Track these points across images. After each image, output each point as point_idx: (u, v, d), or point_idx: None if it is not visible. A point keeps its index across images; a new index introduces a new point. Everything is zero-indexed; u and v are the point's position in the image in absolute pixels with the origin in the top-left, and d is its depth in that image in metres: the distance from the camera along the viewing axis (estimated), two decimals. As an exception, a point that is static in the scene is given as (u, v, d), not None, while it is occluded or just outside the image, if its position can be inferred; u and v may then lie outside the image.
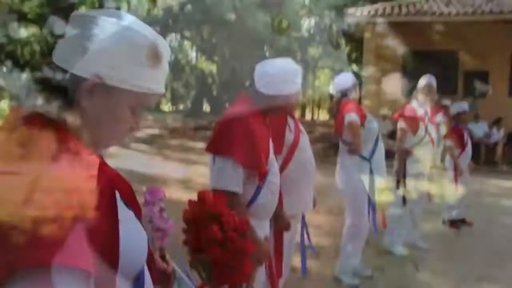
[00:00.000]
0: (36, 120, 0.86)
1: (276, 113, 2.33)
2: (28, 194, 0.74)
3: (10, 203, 0.74)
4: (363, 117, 3.78)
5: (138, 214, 1.01)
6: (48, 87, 0.91)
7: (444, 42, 12.92)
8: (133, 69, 0.92)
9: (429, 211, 5.75)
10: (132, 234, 0.94)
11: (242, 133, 2.08)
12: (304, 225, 2.97)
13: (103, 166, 0.95)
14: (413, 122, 4.56)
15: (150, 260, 1.08)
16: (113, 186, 0.89)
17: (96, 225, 0.78)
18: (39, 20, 15.15)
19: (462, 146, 5.69)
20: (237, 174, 2.06)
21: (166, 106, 46.23)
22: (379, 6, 13.46)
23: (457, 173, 5.62)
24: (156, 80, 0.97)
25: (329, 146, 11.19)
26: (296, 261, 3.21)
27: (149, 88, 0.95)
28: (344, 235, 3.92)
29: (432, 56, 12.76)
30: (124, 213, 0.92)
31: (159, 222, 1.29)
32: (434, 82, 4.61)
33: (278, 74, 2.22)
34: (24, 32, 20.01)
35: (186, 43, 24.51)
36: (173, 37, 23.16)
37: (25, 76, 19.28)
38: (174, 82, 30.73)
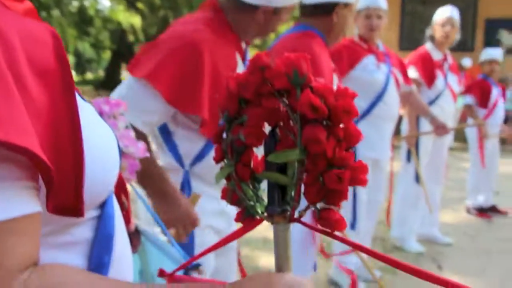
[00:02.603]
0: None
1: (256, 30, 1.98)
2: None
3: None
4: None
5: None
6: None
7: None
8: None
9: (447, 197, 5.80)
10: (98, 131, 0.79)
11: (179, 55, 1.77)
12: None
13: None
14: (428, 69, 4.39)
15: (121, 191, 0.95)
16: (60, 47, 0.72)
17: (44, 98, 0.66)
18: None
19: (487, 105, 5.63)
20: (150, 102, 1.78)
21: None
22: None
23: (483, 143, 5.61)
24: None
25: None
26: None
27: None
28: None
29: (440, 0, 12.97)
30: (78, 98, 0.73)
31: (128, 142, 1.18)
32: (457, 15, 4.42)
33: None
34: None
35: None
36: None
37: None
38: (79, 41, 29.98)
